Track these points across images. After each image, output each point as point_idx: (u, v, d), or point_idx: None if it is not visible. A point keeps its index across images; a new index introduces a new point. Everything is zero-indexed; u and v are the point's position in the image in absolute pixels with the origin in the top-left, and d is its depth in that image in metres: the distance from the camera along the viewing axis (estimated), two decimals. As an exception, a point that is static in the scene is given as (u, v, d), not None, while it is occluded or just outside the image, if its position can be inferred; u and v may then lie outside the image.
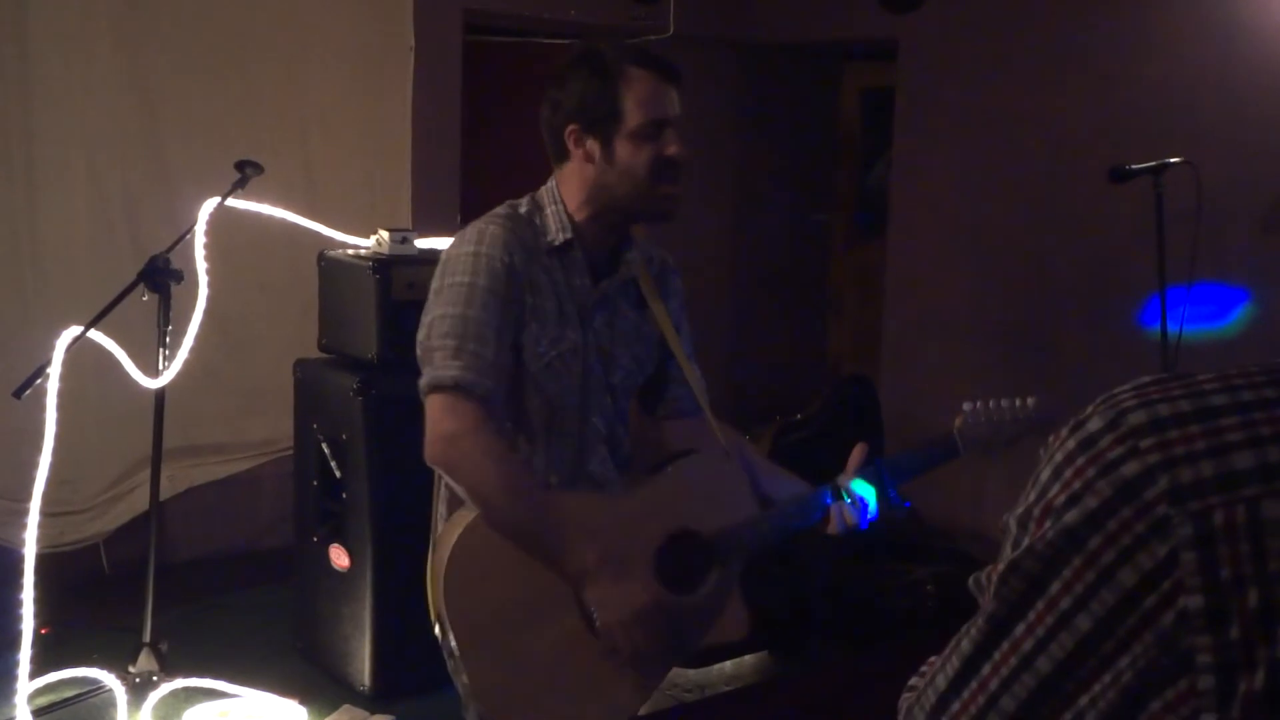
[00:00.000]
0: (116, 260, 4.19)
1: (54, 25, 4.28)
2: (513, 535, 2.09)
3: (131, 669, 3.58)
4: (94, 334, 3.43)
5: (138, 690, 3.52)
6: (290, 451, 4.02)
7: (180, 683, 3.58)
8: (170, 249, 3.60)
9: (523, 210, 2.22)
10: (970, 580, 0.75)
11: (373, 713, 3.52)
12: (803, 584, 4.29)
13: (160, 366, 3.58)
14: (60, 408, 3.33)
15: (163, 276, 3.53)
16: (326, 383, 3.74)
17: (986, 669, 0.71)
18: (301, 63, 4.83)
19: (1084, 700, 0.67)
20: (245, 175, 3.68)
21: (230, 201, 3.73)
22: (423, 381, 2.10)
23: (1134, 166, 3.79)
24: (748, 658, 4.12)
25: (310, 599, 3.84)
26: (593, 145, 2.16)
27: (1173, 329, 3.85)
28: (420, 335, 2.14)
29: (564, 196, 2.22)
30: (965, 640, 0.73)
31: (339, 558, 3.67)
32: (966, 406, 2.25)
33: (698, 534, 2.23)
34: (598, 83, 2.14)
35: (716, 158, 6.31)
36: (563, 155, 2.21)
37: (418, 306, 2.22)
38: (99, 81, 4.40)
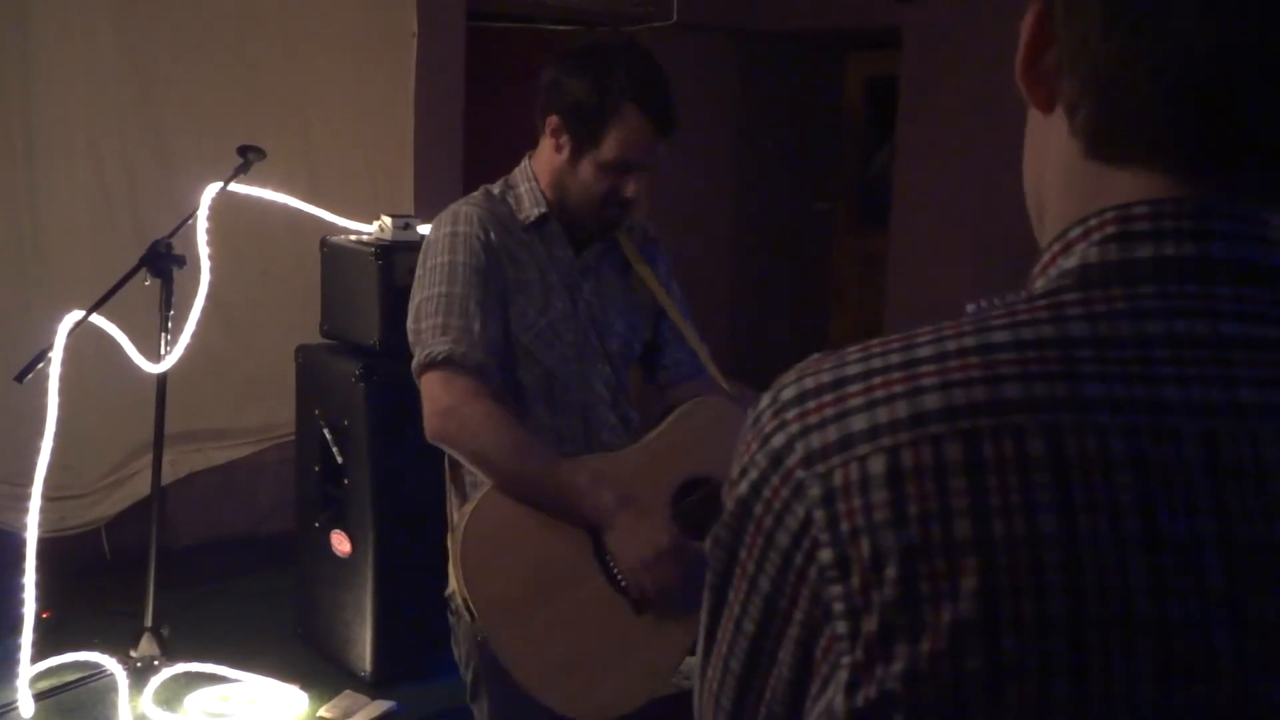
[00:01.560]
0: (118, 245, 4.19)
1: (56, 9, 4.27)
2: (525, 493, 2.08)
3: (133, 654, 3.59)
4: (96, 319, 3.43)
5: (139, 675, 3.53)
6: (292, 437, 4.02)
7: (181, 667, 3.59)
8: (172, 234, 3.60)
9: (496, 191, 2.25)
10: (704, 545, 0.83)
11: (374, 698, 3.53)
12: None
13: (162, 351, 3.58)
14: (62, 392, 3.33)
15: (165, 261, 3.53)
16: (328, 368, 3.74)
17: (719, 634, 0.78)
18: (304, 48, 4.82)
19: (782, 655, 0.73)
20: (247, 160, 3.68)
21: (232, 186, 3.72)
22: (415, 362, 2.11)
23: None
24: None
25: (311, 585, 3.85)
26: (565, 143, 2.17)
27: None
28: (409, 322, 2.15)
29: (536, 173, 2.23)
30: (703, 611, 0.80)
31: (340, 543, 3.67)
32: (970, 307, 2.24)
33: (710, 478, 2.22)
34: (595, 100, 2.13)
35: (719, 146, 6.30)
36: (540, 132, 2.23)
37: (419, 292, 2.22)
38: (101, 66, 4.39)
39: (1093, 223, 0.74)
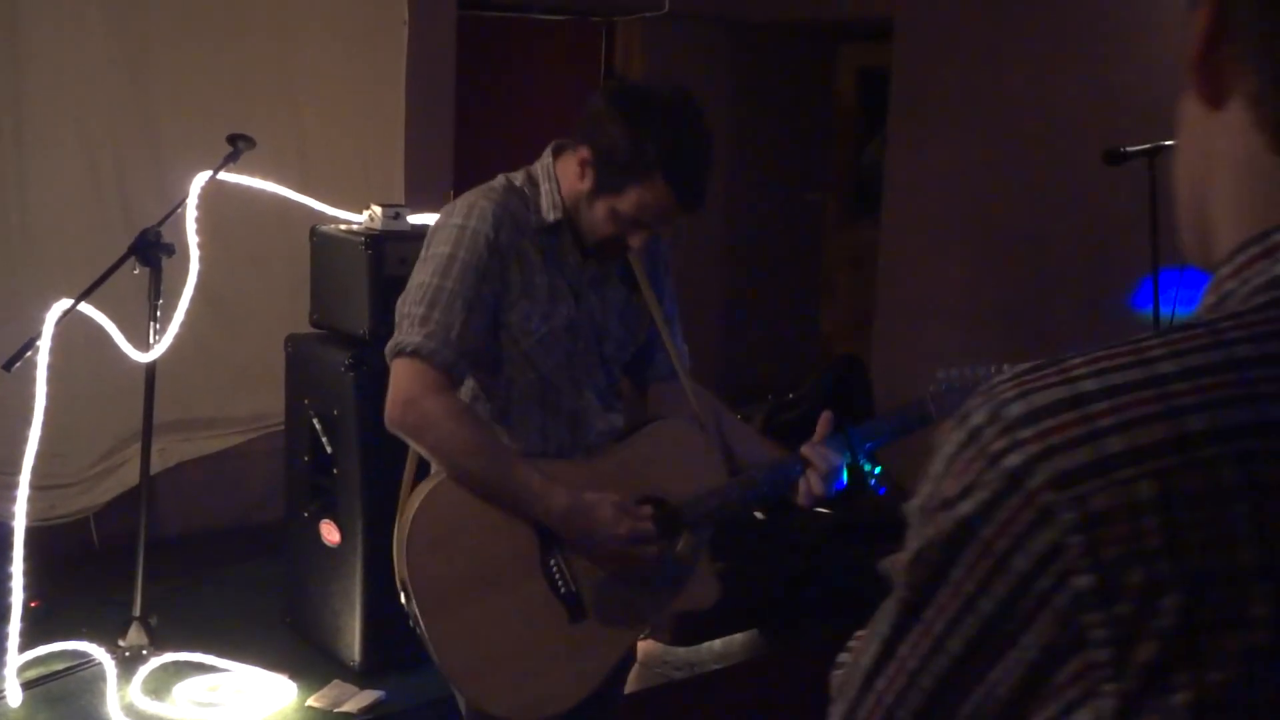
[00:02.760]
0: (107, 233, 4.17)
1: (45, -4, 4.25)
2: (482, 487, 2.11)
3: (121, 643, 3.58)
4: (84, 307, 3.42)
5: (127, 664, 3.53)
6: (281, 427, 4.01)
7: (170, 657, 3.58)
8: (161, 222, 3.59)
9: (517, 184, 2.23)
10: (880, 565, 0.80)
11: (362, 688, 3.53)
12: (793, 562, 4.30)
13: (151, 340, 3.57)
14: (50, 381, 3.32)
15: (154, 250, 3.52)
16: (318, 358, 3.73)
17: (904, 650, 0.75)
18: (295, 36, 4.80)
19: (994, 674, 0.72)
20: (237, 149, 3.67)
21: (222, 175, 3.71)
22: (388, 345, 2.13)
23: (1128, 149, 3.78)
24: (737, 636, 4.13)
25: (301, 574, 3.84)
26: (589, 177, 2.16)
27: (1166, 311, 3.86)
28: (399, 301, 2.16)
29: (559, 178, 2.22)
30: (883, 623, 0.78)
31: (329, 533, 3.67)
32: (941, 374, 2.26)
33: (665, 500, 2.23)
34: (627, 157, 2.11)
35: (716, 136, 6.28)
36: (572, 150, 2.21)
37: (410, 283, 2.22)
38: (90, 54, 4.36)
39: None
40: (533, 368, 2.18)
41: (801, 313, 6.97)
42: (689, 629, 3.93)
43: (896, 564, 0.78)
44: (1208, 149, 0.78)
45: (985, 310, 5.41)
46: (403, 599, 2.14)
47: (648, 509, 2.19)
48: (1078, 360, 0.72)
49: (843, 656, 0.81)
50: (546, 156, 2.25)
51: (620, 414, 2.34)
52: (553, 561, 2.16)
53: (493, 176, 2.26)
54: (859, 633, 0.83)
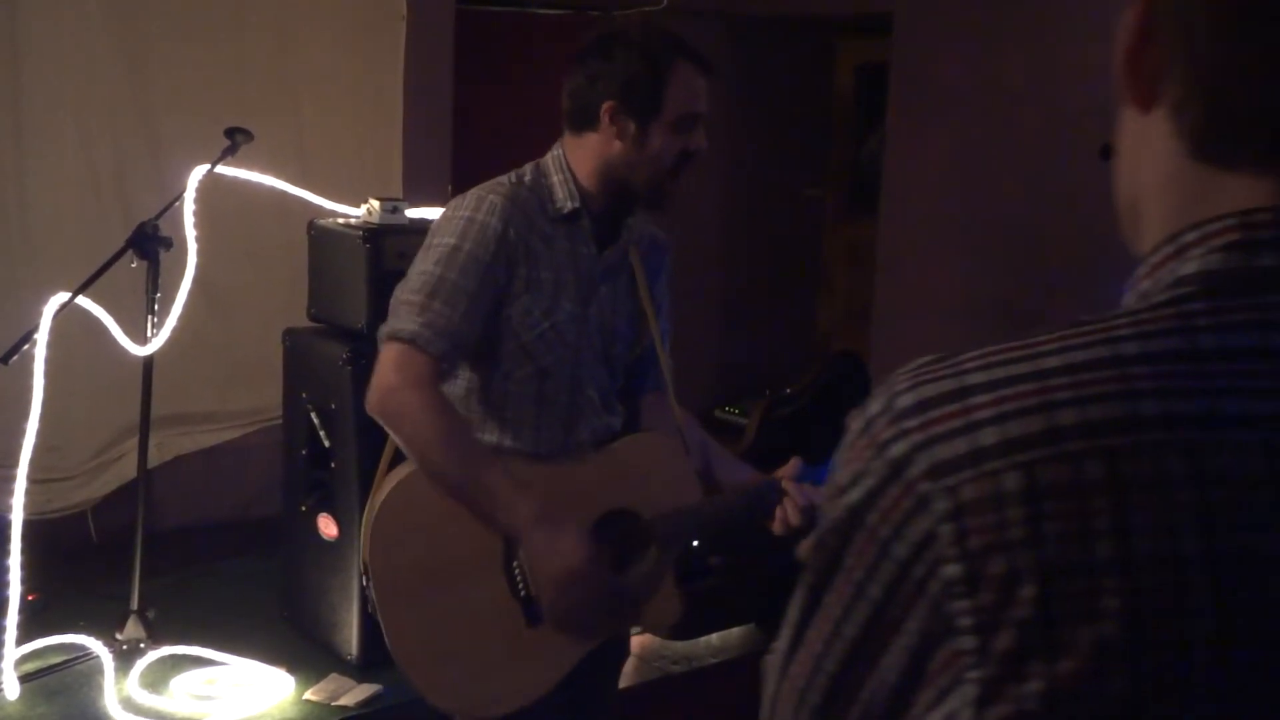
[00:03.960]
0: (105, 226, 4.17)
1: (43, -12, 4.25)
2: (449, 488, 2.09)
3: (119, 636, 3.58)
4: (82, 300, 3.42)
5: (125, 657, 3.53)
6: (279, 421, 4.00)
7: (167, 650, 3.58)
8: (159, 216, 3.58)
9: (527, 179, 2.22)
10: (796, 550, 0.82)
11: (360, 681, 3.53)
12: (790, 556, 4.30)
13: (149, 334, 3.57)
14: (48, 374, 3.32)
15: (151, 243, 3.52)
16: (316, 352, 3.73)
17: (811, 634, 0.78)
18: (293, 30, 4.80)
19: (886, 660, 0.73)
20: (235, 142, 3.66)
21: (220, 169, 3.71)
22: (382, 329, 2.11)
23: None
24: (734, 630, 4.14)
25: (298, 568, 3.84)
26: (628, 125, 2.16)
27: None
28: (398, 286, 2.15)
29: (573, 165, 2.21)
30: (794, 609, 0.80)
31: (327, 527, 3.66)
32: None
33: (636, 515, 2.22)
34: (648, 68, 2.14)
35: (708, 131, 6.28)
36: (587, 126, 2.19)
37: (408, 276, 2.22)
38: (89, 46, 4.36)
39: (1212, 228, 0.73)
40: (531, 361, 2.17)
41: (799, 308, 6.96)
42: (687, 623, 3.93)
43: (803, 551, 0.81)
44: (1138, 151, 0.79)
45: (983, 305, 5.40)
46: (364, 582, 2.14)
47: (615, 533, 2.17)
48: (972, 354, 0.74)
49: (774, 644, 0.83)
50: (556, 149, 2.24)
51: (619, 416, 2.33)
52: (515, 563, 2.14)
53: (491, 171, 2.25)
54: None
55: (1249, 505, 0.67)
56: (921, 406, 0.72)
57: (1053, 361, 0.71)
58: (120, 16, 4.41)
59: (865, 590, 0.73)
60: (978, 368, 0.72)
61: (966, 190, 5.45)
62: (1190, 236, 0.74)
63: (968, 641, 0.69)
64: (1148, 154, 0.78)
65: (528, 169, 2.24)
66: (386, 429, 2.14)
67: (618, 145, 2.17)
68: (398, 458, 2.21)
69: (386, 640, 2.12)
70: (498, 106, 5.63)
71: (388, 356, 2.08)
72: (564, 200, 2.19)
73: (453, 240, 2.11)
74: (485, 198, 2.15)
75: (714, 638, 4.08)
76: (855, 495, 0.74)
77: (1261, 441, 0.67)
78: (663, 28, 2.26)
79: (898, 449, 0.72)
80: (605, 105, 2.15)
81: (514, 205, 2.14)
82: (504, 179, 2.21)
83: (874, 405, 0.75)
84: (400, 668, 2.14)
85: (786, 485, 2.20)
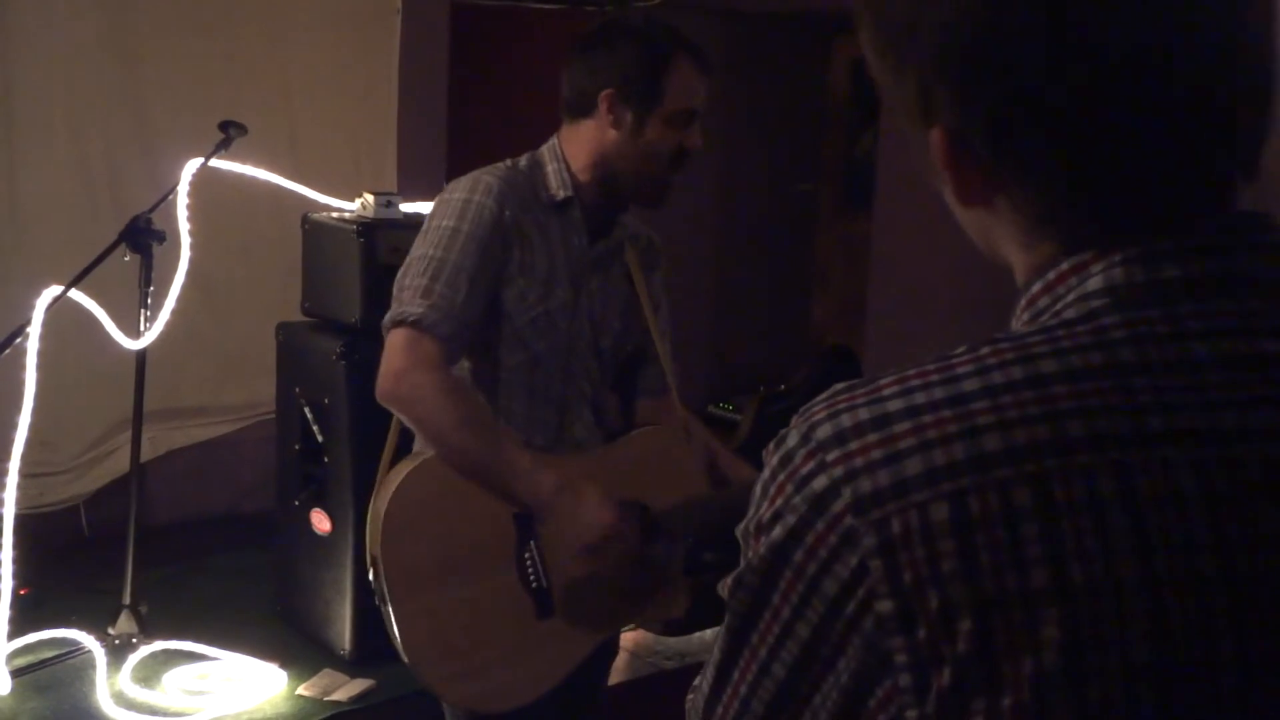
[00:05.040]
0: (98, 220, 4.16)
1: (35, -19, 4.23)
2: (468, 466, 2.07)
3: (111, 631, 3.58)
4: (74, 294, 3.41)
5: (117, 652, 3.52)
6: (272, 415, 4.00)
7: (160, 645, 3.58)
8: (152, 209, 3.57)
9: (522, 165, 2.21)
10: (718, 587, 0.80)
11: (353, 676, 3.52)
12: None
13: (141, 328, 3.56)
14: (40, 368, 3.31)
15: (144, 237, 3.51)
16: (309, 346, 3.72)
17: (735, 675, 0.76)
18: (287, 23, 4.78)
19: (817, 699, 0.71)
20: (229, 136, 3.65)
21: (214, 162, 3.70)
22: (387, 316, 2.09)
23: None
24: (728, 626, 4.14)
25: (291, 563, 3.84)
26: (625, 115, 2.15)
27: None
28: (399, 274, 2.13)
29: (567, 155, 2.20)
30: (717, 649, 0.78)
31: (320, 522, 3.66)
32: None
33: (645, 508, 2.22)
34: (649, 59, 2.14)
35: (703, 126, 6.28)
36: (584, 114, 2.18)
37: (402, 270, 2.21)
38: (81, 39, 4.34)
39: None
40: (524, 348, 2.16)
41: (794, 303, 6.96)
42: (680, 619, 3.93)
43: (722, 589, 0.78)
44: (983, 225, 0.80)
45: (978, 301, 5.39)
46: (371, 575, 2.12)
47: (633, 510, 2.18)
48: (889, 380, 0.72)
49: (696, 681, 0.81)
50: (552, 140, 2.24)
51: (612, 410, 2.33)
52: (527, 554, 2.13)
53: (485, 165, 2.25)
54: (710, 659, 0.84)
55: (1183, 526, 0.65)
56: (841, 438, 0.70)
57: (971, 384, 0.69)
58: (112, 9, 4.40)
59: (793, 629, 0.72)
60: (896, 394, 0.70)
61: (961, 186, 5.45)
62: (1087, 254, 0.73)
63: (905, 679, 0.67)
64: (998, 230, 0.78)
65: (524, 157, 2.24)
66: (400, 414, 2.12)
67: (613, 135, 2.16)
68: (400, 452, 2.20)
69: (394, 633, 2.10)
70: (492, 100, 5.62)
71: (395, 342, 2.07)
72: (557, 188, 2.19)
73: (451, 223, 2.10)
74: (481, 179, 2.14)
75: (708, 633, 4.08)
76: (778, 533, 0.72)
77: (1189, 461, 0.66)
78: (666, 22, 2.26)
79: (819, 483, 0.70)
80: (604, 94, 2.15)
81: (509, 188, 2.14)
82: (499, 164, 2.21)
83: (791, 437, 0.73)
84: (408, 661, 2.12)
85: None
